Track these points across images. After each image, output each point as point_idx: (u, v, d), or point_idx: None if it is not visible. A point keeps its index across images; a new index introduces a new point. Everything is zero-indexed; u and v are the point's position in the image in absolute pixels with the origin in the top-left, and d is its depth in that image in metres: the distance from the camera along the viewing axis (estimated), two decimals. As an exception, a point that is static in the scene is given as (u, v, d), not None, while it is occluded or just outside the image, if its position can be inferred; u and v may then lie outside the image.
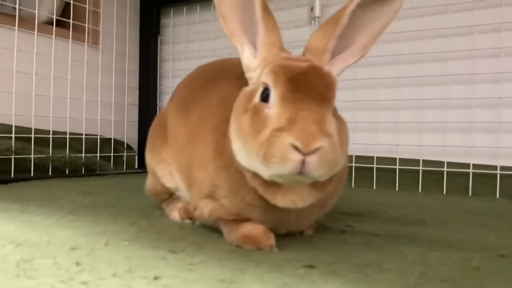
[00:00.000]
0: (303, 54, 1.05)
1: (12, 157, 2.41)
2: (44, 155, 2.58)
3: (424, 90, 2.34)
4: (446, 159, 2.27)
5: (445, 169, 2.25)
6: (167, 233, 1.15)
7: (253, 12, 1.03)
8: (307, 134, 0.85)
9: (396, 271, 0.84)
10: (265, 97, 0.95)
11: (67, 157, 2.72)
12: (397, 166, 2.36)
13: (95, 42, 2.96)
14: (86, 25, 2.88)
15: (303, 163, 0.85)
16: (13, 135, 2.41)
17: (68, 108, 2.72)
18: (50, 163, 2.62)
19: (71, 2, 2.78)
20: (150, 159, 1.40)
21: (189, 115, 1.22)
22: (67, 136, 2.72)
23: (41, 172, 2.57)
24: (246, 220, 1.07)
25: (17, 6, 2.45)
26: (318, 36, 1.05)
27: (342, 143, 0.95)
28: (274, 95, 0.93)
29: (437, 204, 1.82)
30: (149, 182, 1.45)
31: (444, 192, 2.23)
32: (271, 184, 0.96)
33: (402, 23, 2.37)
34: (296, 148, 0.84)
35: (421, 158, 2.31)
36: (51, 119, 2.62)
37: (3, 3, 2.43)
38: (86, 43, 2.86)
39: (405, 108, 2.40)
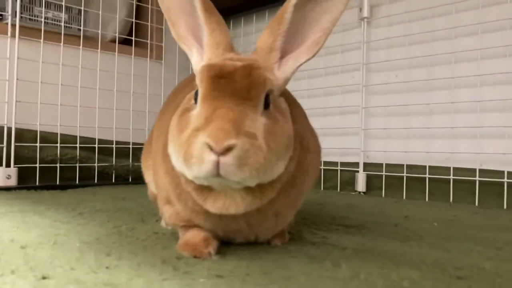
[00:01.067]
0: (252, 54, 1.01)
1: (77, 165, 2.64)
2: (107, 164, 2.78)
3: (483, 90, 2.09)
4: (508, 168, 1.99)
5: (505, 180, 1.97)
6: (133, 237, 1.17)
7: (198, 15, 1.01)
8: (219, 132, 0.81)
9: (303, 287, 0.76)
10: (196, 98, 0.92)
11: (130, 165, 2.90)
12: (451, 177, 2.12)
13: (158, 57, 3.13)
14: (149, 42, 3.06)
15: (218, 164, 0.81)
16: (77, 145, 2.63)
17: (131, 119, 2.91)
18: (114, 171, 2.82)
19: (133, 20, 2.98)
20: (142, 166, 1.44)
21: (160, 121, 1.23)
22: (130, 146, 2.90)
23: (105, 179, 2.77)
24: (196, 226, 1.04)
25: (81, 27, 2.69)
26: (265, 34, 1.00)
27: (274, 145, 0.88)
28: (199, 94, 0.90)
29: (476, 220, 1.61)
30: (148, 189, 1.48)
31: (505, 207, 1.96)
32: (204, 189, 0.93)
33: (460, 16, 2.16)
34: (210, 148, 0.81)
35: (477, 167, 2.06)
36: (114, 130, 2.81)
37: (70, 25, 2.68)
38: (148, 59, 3.04)
39: (462, 112, 2.16)
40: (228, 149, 0.80)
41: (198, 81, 0.91)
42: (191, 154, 0.84)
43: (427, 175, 2.20)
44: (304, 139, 1.05)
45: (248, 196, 0.92)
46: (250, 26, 3.11)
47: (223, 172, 0.81)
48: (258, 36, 2.98)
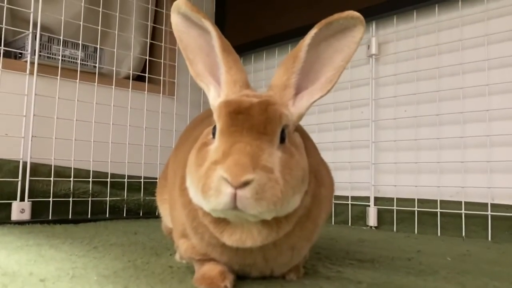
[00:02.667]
0: (267, 91, 1.04)
1: (89, 199, 2.66)
2: (119, 198, 2.80)
3: (491, 125, 2.11)
4: (520, 203, 1.99)
5: (518, 214, 1.97)
6: (149, 271, 1.18)
7: (215, 54, 1.06)
8: (236, 166, 0.83)
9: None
10: (214, 133, 0.96)
11: (141, 200, 2.92)
12: (463, 211, 2.12)
13: (171, 93, 3.20)
14: (161, 78, 3.13)
15: (235, 197, 0.83)
16: (90, 179, 2.67)
17: (143, 154, 2.94)
18: (125, 205, 2.84)
19: (147, 58, 3.07)
20: (157, 200, 1.46)
21: (177, 155, 1.26)
22: (142, 180, 2.93)
23: (116, 213, 2.79)
24: (212, 260, 1.05)
25: (97, 65, 2.77)
26: (280, 72, 1.04)
27: (290, 179, 0.90)
28: (216, 129, 0.93)
29: (490, 254, 1.60)
30: (162, 223, 1.50)
31: (519, 241, 1.94)
32: (221, 222, 0.95)
33: (467, 53, 2.21)
34: (227, 182, 0.83)
35: (489, 202, 2.05)
36: (126, 165, 2.85)
37: (86, 63, 2.76)
38: (161, 94, 3.10)
39: (472, 146, 2.17)
40: (245, 183, 0.82)
41: (216, 116, 0.95)
42: (209, 186, 0.86)
43: (438, 210, 2.20)
44: (318, 173, 1.07)
45: (265, 229, 0.94)
46: (260, 63, 3.18)
47: (240, 205, 0.83)
48: (268, 73, 3.02)
